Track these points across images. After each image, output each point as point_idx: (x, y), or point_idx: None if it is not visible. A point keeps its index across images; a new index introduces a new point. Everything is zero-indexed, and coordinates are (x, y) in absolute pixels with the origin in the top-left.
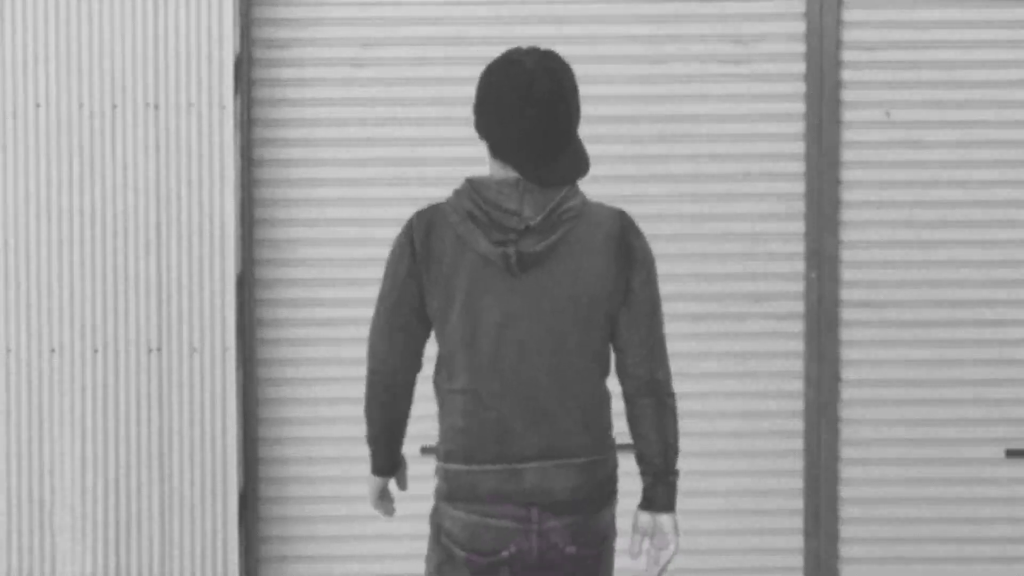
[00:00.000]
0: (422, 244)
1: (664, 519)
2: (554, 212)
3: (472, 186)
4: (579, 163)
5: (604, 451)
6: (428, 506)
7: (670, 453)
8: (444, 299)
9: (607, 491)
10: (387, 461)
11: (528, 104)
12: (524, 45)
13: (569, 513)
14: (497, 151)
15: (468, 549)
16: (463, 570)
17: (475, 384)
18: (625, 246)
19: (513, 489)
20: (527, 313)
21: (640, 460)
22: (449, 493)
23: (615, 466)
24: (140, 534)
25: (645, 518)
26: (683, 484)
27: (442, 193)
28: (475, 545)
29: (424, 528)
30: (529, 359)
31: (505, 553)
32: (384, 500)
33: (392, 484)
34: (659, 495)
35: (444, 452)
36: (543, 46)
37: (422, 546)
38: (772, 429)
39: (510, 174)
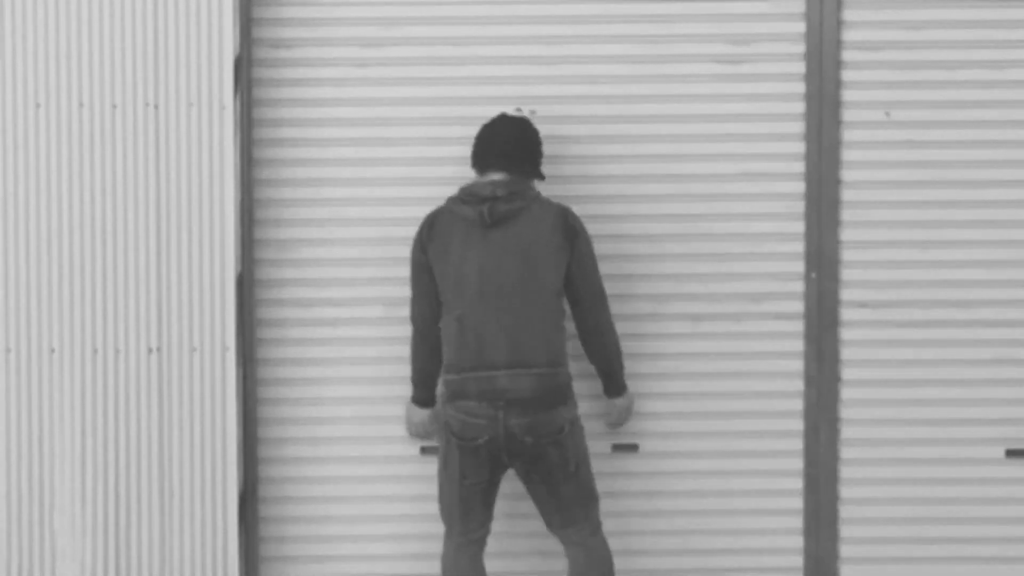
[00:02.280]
0: (428, 227)
1: (616, 400)
2: (514, 191)
3: (461, 187)
4: (529, 167)
5: (557, 366)
6: (425, 508)
7: (616, 366)
8: (442, 256)
9: (560, 395)
10: (425, 394)
11: (489, 139)
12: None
13: (530, 409)
14: (475, 165)
15: (458, 436)
16: (456, 452)
17: (464, 311)
18: (567, 225)
19: (488, 388)
20: (500, 259)
21: (597, 371)
22: (449, 395)
23: (567, 378)
24: (140, 534)
25: (605, 401)
26: (683, 484)
27: (444, 192)
28: (462, 434)
29: (424, 529)
30: (503, 292)
31: (480, 440)
32: (421, 428)
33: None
34: (610, 389)
35: (445, 367)
36: (541, 49)
37: (422, 547)
38: (772, 429)
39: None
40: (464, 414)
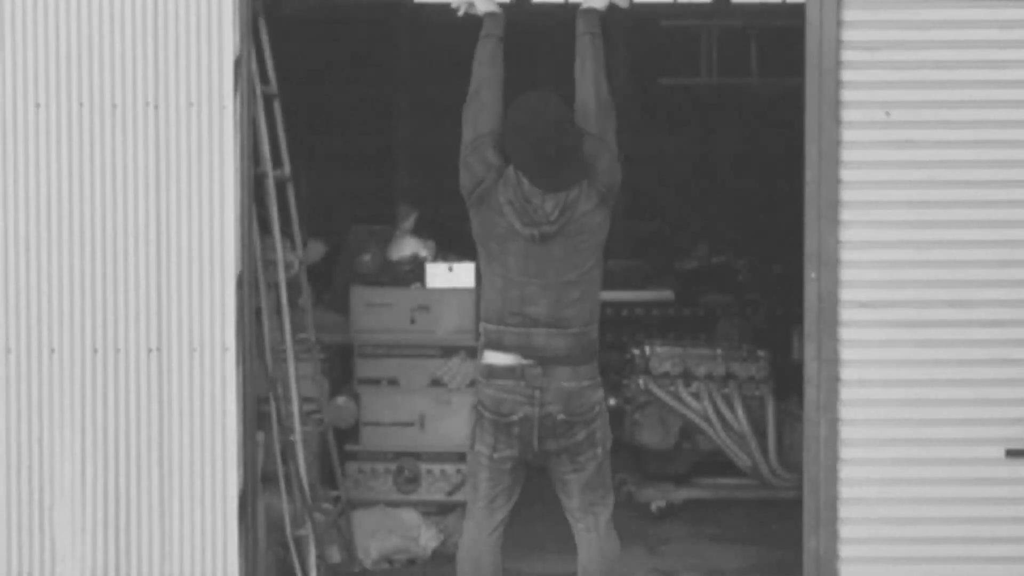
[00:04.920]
0: (478, 200)
1: None
2: (565, 208)
3: (518, 178)
4: (579, 173)
5: (589, 325)
6: None
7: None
8: (487, 232)
9: (590, 351)
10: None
11: (529, 143)
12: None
13: (563, 364)
14: (516, 168)
15: (492, 412)
16: (489, 428)
17: (508, 286)
18: (597, 190)
19: (526, 344)
20: (545, 254)
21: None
22: (485, 343)
23: (596, 336)
24: (140, 533)
25: None
26: None
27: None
28: (497, 410)
29: None
30: (548, 278)
31: (515, 416)
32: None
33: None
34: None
35: (483, 316)
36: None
37: None
38: None
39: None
40: (499, 391)
